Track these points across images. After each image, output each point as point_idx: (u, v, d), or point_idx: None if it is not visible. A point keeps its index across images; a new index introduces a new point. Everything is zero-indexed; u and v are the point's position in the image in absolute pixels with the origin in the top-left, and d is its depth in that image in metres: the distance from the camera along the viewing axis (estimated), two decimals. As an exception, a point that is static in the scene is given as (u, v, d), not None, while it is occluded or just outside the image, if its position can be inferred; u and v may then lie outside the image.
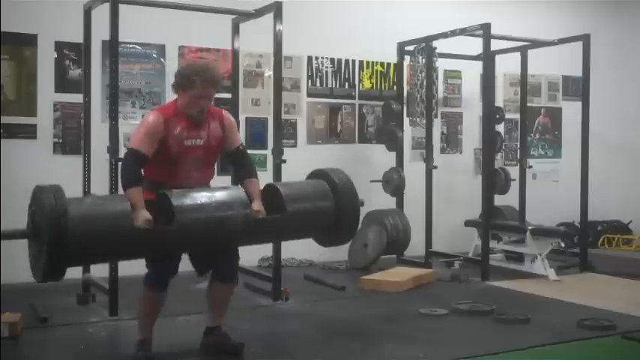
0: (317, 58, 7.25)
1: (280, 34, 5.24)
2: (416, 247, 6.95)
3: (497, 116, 7.55)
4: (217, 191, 3.68)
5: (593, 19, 8.51)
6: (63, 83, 6.06)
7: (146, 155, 3.55)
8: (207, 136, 3.73)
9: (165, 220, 3.42)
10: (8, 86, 5.88)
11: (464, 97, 8.06)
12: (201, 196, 3.55)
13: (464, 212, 7.29)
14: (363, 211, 6.87)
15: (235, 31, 5.89)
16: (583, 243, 6.88)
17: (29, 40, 5.94)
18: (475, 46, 6.76)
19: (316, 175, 4.12)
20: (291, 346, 4.10)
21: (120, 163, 3.89)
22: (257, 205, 3.68)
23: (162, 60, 6.48)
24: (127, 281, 4.62)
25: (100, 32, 5.20)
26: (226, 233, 3.57)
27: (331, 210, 3.89)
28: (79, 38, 5.44)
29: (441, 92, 7.82)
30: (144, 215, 3.38)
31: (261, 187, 3.87)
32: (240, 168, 3.90)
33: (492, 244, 6.63)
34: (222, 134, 3.79)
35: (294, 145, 7.05)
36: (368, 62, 7.52)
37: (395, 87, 7.50)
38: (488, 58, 6.52)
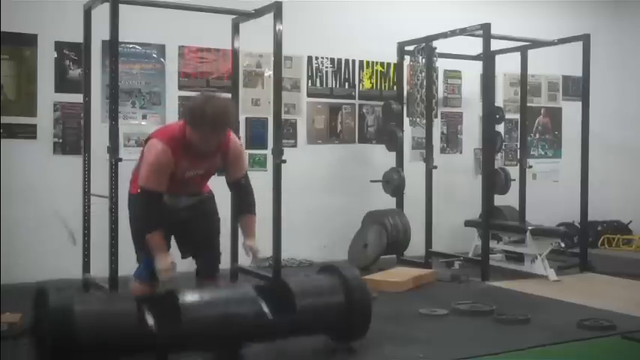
0: (317, 58, 7.24)
1: (280, 34, 5.24)
2: (416, 247, 6.95)
3: (497, 116, 7.55)
4: (225, 290, 3.66)
5: (593, 19, 8.51)
6: (63, 83, 6.06)
7: (161, 193, 3.53)
8: (208, 166, 3.73)
9: (171, 319, 3.34)
10: (8, 86, 5.88)
11: (464, 97, 8.06)
12: (209, 296, 3.51)
13: (464, 212, 7.28)
14: (363, 211, 6.95)
15: (235, 31, 5.89)
16: (583, 243, 6.87)
17: (29, 40, 5.94)
18: (475, 46, 6.76)
19: (326, 270, 4.01)
20: (291, 346, 4.09)
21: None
22: (251, 242, 3.70)
23: (162, 60, 6.47)
24: (127, 281, 4.62)
25: (100, 32, 5.20)
26: (234, 332, 3.48)
27: (342, 306, 3.75)
28: (79, 38, 5.44)
29: (441, 92, 7.81)
30: (167, 259, 3.42)
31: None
32: (241, 201, 3.88)
33: (492, 244, 6.63)
34: (225, 162, 3.75)
35: (294, 145, 7.04)
36: (368, 62, 7.52)
37: (395, 87, 7.49)
38: (488, 58, 6.52)
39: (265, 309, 3.52)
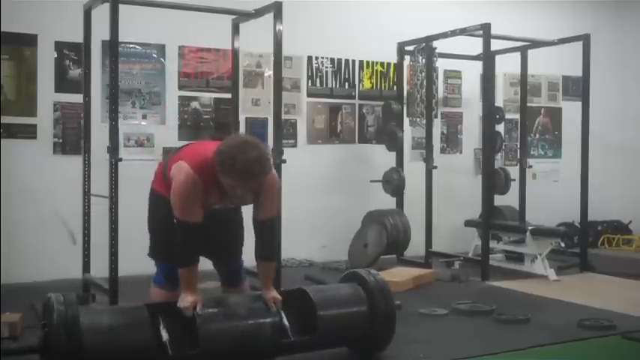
0: (317, 58, 7.25)
1: (280, 34, 5.24)
2: (416, 247, 6.95)
3: (497, 116, 7.55)
4: (244, 302, 3.55)
5: (593, 19, 8.51)
6: (63, 83, 6.06)
7: (199, 222, 3.35)
8: (239, 202, 3.57)
9: (188, 340, 3.28)
10: (8, 86, 5.88)
11: (464, 97, 8.06)
12: (225, 309, 3.42)
13: (464, 212, 7.28)
14: (363, 211, 6.95)
15: (235, 31, 5.89)
16: (583, 243, 6.87)
17: (29, 40, 5.94)
18: (475, 46, 6.76)
19: (349, 277, 3.94)
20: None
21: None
22: (271, 294, 3.50)
23: (162, 60, 6.48)
24: (127, 281, 4.63)
25: (100, 32, 5.20)
26: (253, 347, 3.40)
27: (365, 317, 3.67)
28: (79, 38, 5.43)
29: (441, 92, 7.82)
30: (189, 299, 3.30)
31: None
32: (262, 244, 3.55)
33: (492, 244, 6.63)
34: (255, 199, 3.50)
35: (294, 145, 7.05)
36: (368, 62, 7.52)
37: (395, 87, 7.50)
38: (488, 58, 6.52)
39: (285, 322, 3.42)
